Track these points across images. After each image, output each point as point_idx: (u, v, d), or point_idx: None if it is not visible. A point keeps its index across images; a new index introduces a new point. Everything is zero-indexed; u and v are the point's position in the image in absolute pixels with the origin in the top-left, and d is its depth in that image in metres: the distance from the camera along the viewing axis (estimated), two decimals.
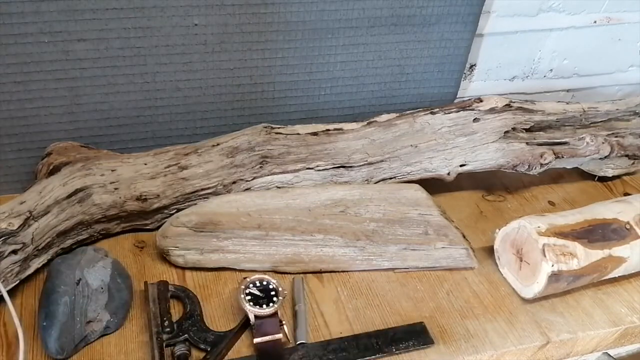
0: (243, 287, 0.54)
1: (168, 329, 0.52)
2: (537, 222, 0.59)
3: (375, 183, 0.69)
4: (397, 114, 0.73)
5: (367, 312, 0.58)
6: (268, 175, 0.67)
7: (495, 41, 0.82)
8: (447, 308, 0.59)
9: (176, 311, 0.56)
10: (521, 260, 0.60)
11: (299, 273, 0.61)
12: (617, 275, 0.62)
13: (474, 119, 0.72)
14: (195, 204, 0.64)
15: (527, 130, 0.74)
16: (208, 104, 0.72)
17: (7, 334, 0.53)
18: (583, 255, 0.58)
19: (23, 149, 0.67)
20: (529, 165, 0.71)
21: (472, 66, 0.84)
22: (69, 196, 0.59)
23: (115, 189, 0.62)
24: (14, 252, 0.53)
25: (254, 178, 0.67)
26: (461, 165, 0.71)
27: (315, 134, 0.70)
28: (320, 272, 0.62)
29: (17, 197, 0.58)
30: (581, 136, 0.74)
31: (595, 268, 0.59)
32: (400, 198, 0.67)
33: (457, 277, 0.63)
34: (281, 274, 0.61)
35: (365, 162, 0.69)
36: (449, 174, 0.71)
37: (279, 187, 0.67)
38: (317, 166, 0.68)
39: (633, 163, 0.80)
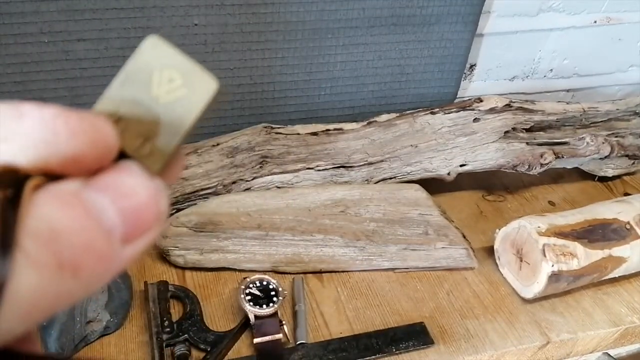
0: (243, 287, 0.54)
1: (168, 329, 0.52)
2: (537, 222, 0.59)
3: (375, 183, 0.69)
4: (397, 114, 0.72)
5: (367, 312, 0.58)
6: (268, 175, 0.67)
7: (495, 41, 0.82)
8: (447, 308, 0.59)
9: (176, 311, 0.56)
10: (521, 261, 0.60)
11: (299, 273, 0.61)
12: (617, 275, 0.62)
13: (474, 119, 0.72)
14: (195, 204, 0.64)
15: (527, 130, 0.73)
16: None
17: None
18: (583, 255, 0.58)
19: None
20: (529, 165, 0.71)
21: (472, 66, 0.84)
22: None
23: None
24: None
25: (254, 178, 0.66)
26: (461, 165, 0.71)
27: (315, 134, 0.70)
28: (320, 272, 0.62)
29: None
30: (581, 136, 0.74)
31: (596, 268, 0.59)
32: (400, 198, 0.67)
33: (457, 277, 0.63)
34: (281, 274, 0.61)
35: (365, 162, 0.69)
36: (449, 174, 0.71)
37: (279, 187, 0.67)
38: (317, 166, 0.68)
39: (633, 163, 0.80)
